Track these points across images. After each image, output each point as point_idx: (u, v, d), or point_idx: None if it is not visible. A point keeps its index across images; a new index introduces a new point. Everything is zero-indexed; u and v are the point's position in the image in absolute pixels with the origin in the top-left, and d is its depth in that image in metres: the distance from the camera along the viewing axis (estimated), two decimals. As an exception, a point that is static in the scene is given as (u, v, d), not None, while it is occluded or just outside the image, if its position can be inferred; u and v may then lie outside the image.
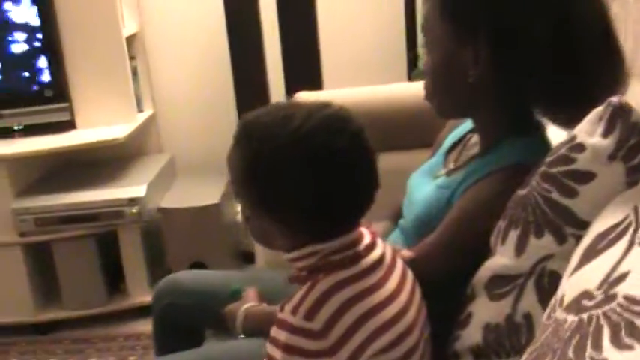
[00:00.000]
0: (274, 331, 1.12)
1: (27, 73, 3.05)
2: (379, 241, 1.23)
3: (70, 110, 3.11)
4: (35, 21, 2.99)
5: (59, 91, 3.08)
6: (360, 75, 3.30)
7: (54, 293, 3.07)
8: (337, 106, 1.16)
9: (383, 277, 1.17)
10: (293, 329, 1.10)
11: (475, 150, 1.42)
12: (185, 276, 1.86)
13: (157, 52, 3.44)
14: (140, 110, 3.31)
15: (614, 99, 1.04)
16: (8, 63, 3.04)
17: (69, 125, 3.11)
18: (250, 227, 1.23)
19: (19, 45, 3.02)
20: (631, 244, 0.90)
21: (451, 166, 1.47)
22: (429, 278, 1.27)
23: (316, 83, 2.96)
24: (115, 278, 3.12)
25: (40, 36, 3.01)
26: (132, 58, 3.23)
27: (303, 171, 1.10)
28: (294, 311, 1.11)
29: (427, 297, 1.25)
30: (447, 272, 1.30)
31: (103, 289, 3.08)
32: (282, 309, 1.13)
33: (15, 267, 2.97)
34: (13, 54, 3.03)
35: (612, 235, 0.94)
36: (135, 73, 3.26)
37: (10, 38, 3.00)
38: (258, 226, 1.20)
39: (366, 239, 1.20)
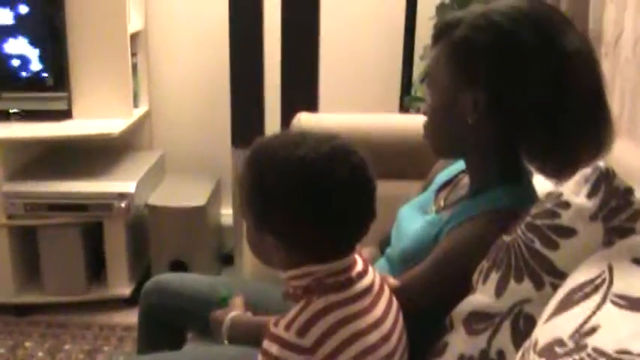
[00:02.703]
0: (267, 344, 1.20)
1: (29, 58, 3.10)
2: (370, 269, 1.32)
3: (68, 100, 3.16)
4: (43, 8, 3.04)
5: (59, 79, 3.13)
6: (354, 99, 3.39)
7: (35, 277, 3.13)
8: (343, 139, 1.24)
9: (371, 304, 1.26)
10: (285, 344, 1.18)
11: (465, 191, 1.51)
12: (174, 278, 1.93)
13: (159, 50, 3.50)
14: (136, 106, 3.37)
15: (601, 164, 1.14)
16: (11, 46, 3.09)
17: (66, 114, 3.16)
18: (251, 244, 1.31)
19: (24, 30, 3.06)
20: (604, 299, 0.98)
21: (441, 203, 1.55)
22: (411, 308, 1.35)
23: (312, 102, 3.03)
24: (96, 268, 3.18)
25: (46, 24, 3.07)
26: (133, 54, 3.29)
27: (304, 197, 1.18)
28: (287, 327, 1.19)
29: (408, 324, 1.34)
30: (428, 304, 1.38)
31: (84, 278, 3.13)
32: (276, 324, 1.21)
33: (-1, 248, 3.03)
34: (17, 38, 3.07)
35: (587, 289, 1.02)
36: (135, 69, 3.32)
37: (16, 22, 3.05)
38: (259, 243, 1.28)
39: (359, 266, 1.29)
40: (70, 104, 3.17)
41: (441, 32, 1.43)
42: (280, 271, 1.29)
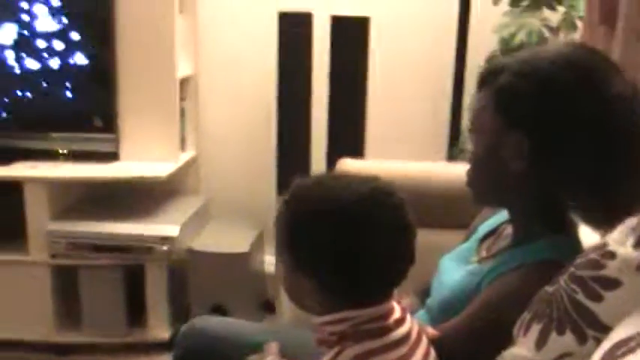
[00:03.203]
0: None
1: (79, 101, 3.14)
2: (408, 317, 1.28)
3: (116, 142, 3.19)
4: (95, 52, 3.09)
5: (108, 121, 3.16)
6: (401, 149, 3.36)
7: (75, 317, 3.12)
8: (383, 181, 1.22)
9: (407, 353, 1.22)
10: None
11: (508, 241, 1.47)
12: (209, 322, 1.90)
13: (208, 96, 3.52)
14: (183, 150, 3.38)
15: (647, 213, 1.10)
16: (63, 89, 3.13)
17: (113, 156, 3.19)
18: (287, 286, 1.29)
19: (76, 72, 3.11)
20: (649, 355, 0.94)
21: (483, 254, 1.52)
22: (448, 359, 1.31)
23: (358, 151, 3.02)
24: (136, 311, 3.17)
25: (96, 67, 3.11)
26: (182, 98, 3.32)
27: (340, 239, 1.15)
28: (320, 374, 1.16)
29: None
30: (467, 356, 1.34)
31: (124, 320, 3.12)
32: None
33: (41, 286, 3.04)
34: (68, 80, 3.12)
35: (632, 344, 0.98)
36: (183, 113, 3.35)
37: (68, 65, 3.10)
38: (294, 286, 1.26)
39: (397, 314, 1.25)
40: (117, 146, 3.20)
41: (485, 79, 1.42)
42: (314, 317, 1.26)
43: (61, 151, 3.19)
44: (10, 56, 3.10)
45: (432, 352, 1.30)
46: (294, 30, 3.03)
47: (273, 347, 1.66)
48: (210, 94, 3.53)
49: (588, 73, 1.32)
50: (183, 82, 3.34)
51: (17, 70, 3.11)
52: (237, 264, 3.18)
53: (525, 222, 1.43)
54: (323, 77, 3.05)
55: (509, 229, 1.50)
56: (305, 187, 1.24)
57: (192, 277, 3.21)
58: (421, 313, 1.57)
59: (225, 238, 3.31)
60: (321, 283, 1.20)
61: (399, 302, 1.29)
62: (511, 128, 1.35)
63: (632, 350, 0.96)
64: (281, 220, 1.24)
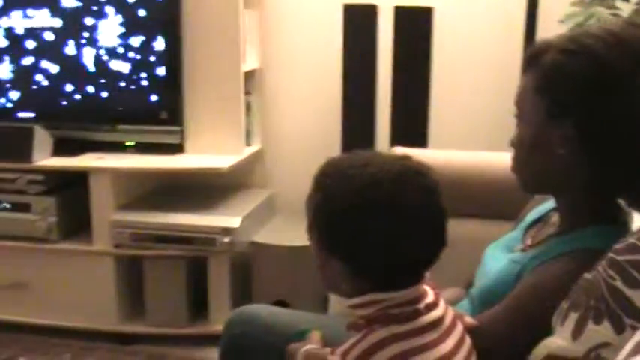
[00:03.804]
0: (323, 371, 1.15)
1: (146, 94, 3.18)
2: (442, 302, 1.24)
3: (182, 134, 3.22)
4: (162, 46, 3.12)
5: (174, 114, 3.20)
6: (465, 139, 3.30)
7: (138, 307, 3.16)
8: (415, 161, 1.18)
9: (438, 339, 1.18)
10: None
11: (554, 229, 1.41)
12: (258, 310, 1.89)
13: (274, 90, 3.52)
14: (248, 144, 3.39)
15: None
16: (130, 82, 3.18)
17: (178, 148, 3.22)
18: (318, 268, 1.26)
19: (143, 65, 3.15)
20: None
21: (528, 242, 1.46)
22: (487, 348, 1.26)
23: (422, 142, 2.99)
24: (198, 302, 3.18)
25: (163, 60, 3.14)
26: (248, 92, 3.33)
27: (367, 218, 1.12)
28: (344, 355, 1.13)
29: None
30: (506, 345, 1.29)
31: (186, 311, 3.14)
32: (333, 351, 1.15)
33: (105, 276, 3.09)
34: (137, 75, 3.17)
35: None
36: (249, 107, 3.36)
37: (137, 61, 3.15)
38: (324, 268, 1.23)
39: (429, 298, 1.21)
40: (183, 139, 3.23)
41: (531, 60, 1.36)
42: (345, 300, 1.23)
43: (127, 143, 3.23)
44: (84, 53, 3.17)
45: (468, 340, 1.25)
46: (359, 22, 3.02)
47: (316, 336, 1.64)
48: (276, 88, 3.53)
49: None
50: (250, 76, 3.35)
51: (90, 67, 3.18)
52: (300, 257, 3.16)
53: (571, 209, 1.37)
54: (387, 69, 3.01)
55: (555, 217, 1.44)
56: (333, 165, 1.22)
57: (255, 270, 3.21)
58: (464, 302, 1.53)
59: (289, 232, 3.29)
60: (349, 264, 1.17)
61: (433, 287, 1.25)
62: (557, 113, 1.29)
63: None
64: (308, 199, 1.22)
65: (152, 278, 3.12)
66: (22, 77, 3.24)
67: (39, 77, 3.22)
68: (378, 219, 1.12)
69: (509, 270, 1.38)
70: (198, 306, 3.19)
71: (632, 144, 1.25)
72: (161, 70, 3.15)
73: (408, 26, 2.96)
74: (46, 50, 3.20)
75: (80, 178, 3.06)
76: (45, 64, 3.20)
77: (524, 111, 1.37)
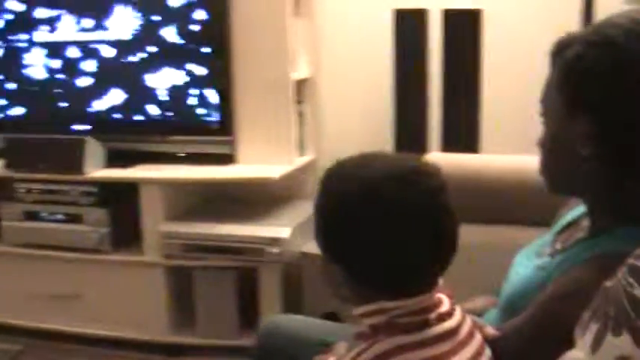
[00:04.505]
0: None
1: (197, 104, 3.17)
2: (457, 312, 1.17)
3: (233, 145, 3.20)
4: (212, 57, 3.11)
5: (225, 124, 3.17)
6: (517, 143, 3.19)
7: (188, 318, 3.14)
8: (422, 161, 1.12)
9: (450, 351, 1.11)
10: None
11: (583, 233, 1.33)
12: (286, 321, 1.87)
13: (327, 98, 3.46)
14: (302, 154, 3.35)
15: None
16: (181, 92, 3.17)
17: (229, 159, 3.20)
18: (322, 274, 1.21)
19: (194, 77, 3.15)
20: None
21: (558, 246, 1.38)
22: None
23: (474, 146, 2.94)
24: (249, 314, 3.15)
25: (214, 71, 3.13)
26: (300, 101, 3.29)
27: (368, 221, 1.07)
28: (346, 365, 1.08)
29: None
30: (526, 357, 1.21)
31: (236, 323, 3.11)
32: (337, 360, 1.10)
33: (156, 287, 3.09)
34: (187, 84, 3.16)
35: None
36: (301, 116, 3.31)
37: (188, 71, 3.15)
38: (327, 274, 1.18)
39: (443, 307, 1.14)
40: (234, 149, 3.20)
41: (555, 54, 1.28)
42: (353, 308, 1.17)
43: (178, 154, 3.22)
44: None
45: (487, 352, 1.18)
46: (409, 27, 2.97)
47: (341, 347, 1.59)
48: (329, 97, 3.47)
49: None
50: (302, 85, 3.31)
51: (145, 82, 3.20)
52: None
53: (600, 211, 1.28)
54: (437, 73, 2.96)
55: (586, 221, 1.35)
56: (337, 168, 1.16)
57: (305, 281, 3.16)
58: (493, 311, 1.45)
59: (341, 243, 3.23)
60: (349, 268, 1.11)
61: (449, 295, 1.18)
62: (580, 108, 1.21)
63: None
64: (314, 202, 1.17)
65: (202, 289, 3.10)
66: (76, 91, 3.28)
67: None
68: (375, 221, 1.07)
69: (534, 277, 1.30)
70: (249, 317, 3.15)
71: None
72: (212, 80, 3.14)
73: (457, 30, 2.90)
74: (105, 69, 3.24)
75: (131, 189, 3.07)
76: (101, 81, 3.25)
77: (548, 107, 1.30)
